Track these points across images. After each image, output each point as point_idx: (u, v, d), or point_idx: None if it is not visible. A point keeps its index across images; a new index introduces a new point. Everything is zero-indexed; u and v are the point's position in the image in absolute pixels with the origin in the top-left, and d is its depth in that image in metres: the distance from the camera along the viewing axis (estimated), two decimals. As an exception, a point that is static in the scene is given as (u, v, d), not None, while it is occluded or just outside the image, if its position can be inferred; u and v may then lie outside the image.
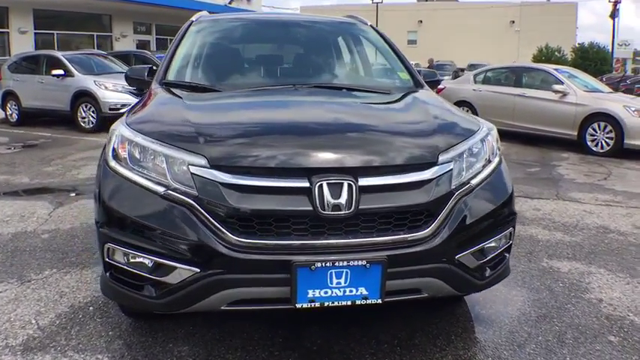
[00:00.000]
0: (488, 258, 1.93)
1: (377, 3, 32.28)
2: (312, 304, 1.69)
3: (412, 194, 1.76)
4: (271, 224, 1.68)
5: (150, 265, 1.75)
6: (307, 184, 1.68)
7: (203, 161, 1.73)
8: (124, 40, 19.08)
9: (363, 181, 1.71)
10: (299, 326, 2.31)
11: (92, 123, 8.63)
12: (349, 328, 2.30)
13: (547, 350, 2.17)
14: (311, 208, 1.66)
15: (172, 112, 2.12)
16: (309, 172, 1.71)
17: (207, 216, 1.67)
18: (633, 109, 7.07)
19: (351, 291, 1.70)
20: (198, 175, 1.71)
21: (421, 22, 39.76)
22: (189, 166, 1.73)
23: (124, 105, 8.11)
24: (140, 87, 2.90)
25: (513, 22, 37.63)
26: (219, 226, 1.66)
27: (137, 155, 1.83)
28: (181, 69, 2.78)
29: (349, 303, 1.72)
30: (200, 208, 1.68)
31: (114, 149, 1.91)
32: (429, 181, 1.78)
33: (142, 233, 1.74)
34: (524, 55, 30.84)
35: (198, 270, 1.68)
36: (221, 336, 2.24)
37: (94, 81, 8.65)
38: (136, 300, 1.83)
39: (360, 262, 1.68)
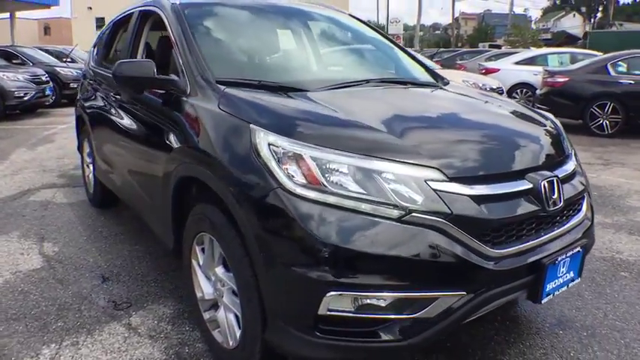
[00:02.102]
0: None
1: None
2: (549, 297, 1.75)
3: (575, 182, 1.95)
4: (513, 229, 1.64)
5: (385, 304, 1.48)
6: (530, 185, 1.69)
7: (438, 175, 1.55)
8: None
9: (559, 175, 1.81)
10: None
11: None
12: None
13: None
14: (539, 207, 1.69)
15: (334, 120, 1.76)
16: (523, 174, 1.72)
17: (463, 233, 1.51)
18: (471, 82, 7.60)
19: (566, 277, 1.80)
20: (442, 191, 1.52)
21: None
22: (428, 182, 1.53)
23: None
24: (139, 88, 2.36)
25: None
26: (476, 241, 1.53)
27: (340, 176, 1.52)
28: (223, 66, 2.27)
29: (565, 288, 1.82)
30: (454, 227, 1.50)
31: (300, 173, 1.52)
32: (575, 169, 2.01)
33: (383, 268, 1.47)
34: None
35: (464, 293, 1.52)
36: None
37: None
38: (371, 350, 1.54)
39: (576, 249, 1.80)
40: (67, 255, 3.14)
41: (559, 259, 1.73)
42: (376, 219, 1.47)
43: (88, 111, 3.73)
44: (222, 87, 1.99)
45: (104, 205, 4.00)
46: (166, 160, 2.17)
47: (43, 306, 2.50)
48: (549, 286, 1.73)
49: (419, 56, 3.07)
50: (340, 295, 1.46)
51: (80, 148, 4.33)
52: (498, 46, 26.52)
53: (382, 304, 1.48)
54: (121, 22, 3.63)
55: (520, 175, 1.72)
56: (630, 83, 7.21)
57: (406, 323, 1.50)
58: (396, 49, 3.04)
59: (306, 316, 1.51)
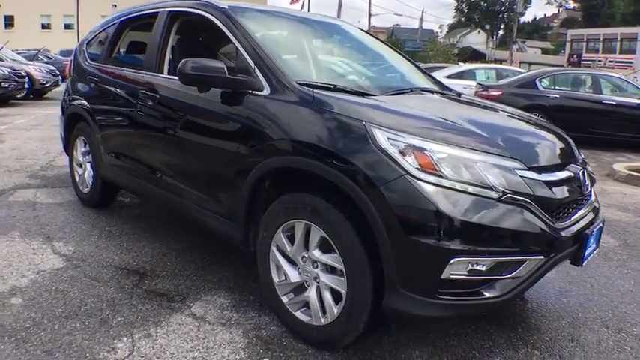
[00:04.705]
0: None
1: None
2: (586, 261, 2.15)
3: (588, 173, 2.40)
4: (567, 208, 2.07)
5: (486, 267, 1.81)
6: (573, 174, 2.16)
7: (521, 165, 1.92)
8: None
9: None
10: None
11: None
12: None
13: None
14: (580, 191, 2.18)
15: (431, 119, 2.12)
16: (565, 166, 2.17)
17: (540, 210, 1.89)
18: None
19: (592, 246, 2.22)
20: (525, 177, 1.90)
21: (115, 5, 35.34)
22: (515, 170, 1.89)
23: None
24: (205, 87, 2.43)
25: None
26: (548, 216, 1.92)
27: (449, 164, 1.82)
28: (295, 70, 2.48)
29: (592, 255, 2.24)
30: (535, 205, 1.87)
31: (422, 164, 1.81)
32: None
33: (489, 238, 1.81)
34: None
35: (543, 257, 1.90)
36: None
37: None
38: (475, 306, 1.92)
39: (599, 224, 2.27)
40: (87, 253, 3.07)
41: (593, 231, 2.16)
42: (482, 199, 1.81)
43: (93, 109, 3.64)
44: (308, 89, 2.20)
45: (101, 205, 3.90)
46: (243, 155, 2.30)
47: (91, 303, 2.48)
48: (586, 252, 2.14)
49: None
50: (460, 260, 1.77)
51: (69, 148, 4.15)
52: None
53: (484, 267, 1.82)
54: (133, 21, 3.61)
55: (563, 167, 2.17)
56: (556, 97, 8.27)
57: (502, 282, 1.86)
58: (409, 62, 3.42)
59: (430, 281, 1.80)
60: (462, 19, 71.71)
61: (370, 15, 33.70)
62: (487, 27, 63.45)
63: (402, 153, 1.84)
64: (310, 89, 2.20)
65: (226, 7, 2.73)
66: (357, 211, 1.91)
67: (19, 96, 11.30)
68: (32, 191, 4.33)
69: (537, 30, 68.46)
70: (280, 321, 2.31)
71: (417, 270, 1.83)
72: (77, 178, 4.05)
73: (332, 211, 1.98)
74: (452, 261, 1.76)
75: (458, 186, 1.80)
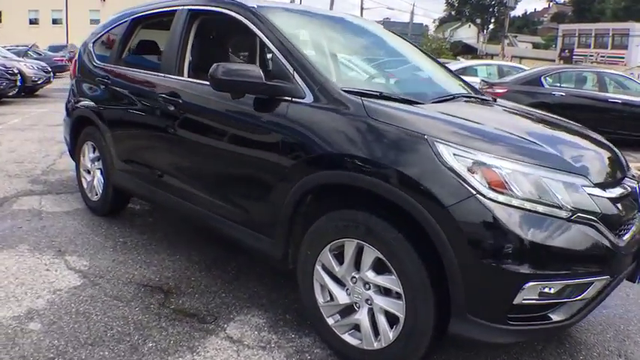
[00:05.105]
0: None
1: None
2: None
3: None
4: (625, 224, 1.94)
5: (555, 290, 1.72)
6: (630, 190, 2.03)
7: (587, 181, 1.82)
8: None
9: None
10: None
11: None
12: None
13: None
14: (636, 206, 2.05)
15: (491, 132, 1.96)
16: (621, 181, 2.06)
17: (607, 228, 1.79)
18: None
19: None
20: (592, 195, 1.80)
21: (104, 0, 35.55)
22: (583, 188, 1.79)
23: None
24: (239, 93, 2.24)
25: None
26: (613, 235, 1.82)
27: (519, 183, 1.71)
28: (335, 75, 2.37)
29: None
30: (601, 223, 1.78)
31: (491, 182, 1.70)
32: None
33: (560, 260, 1.72)
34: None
35: (609, 277, 1.82)
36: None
37: None
38: (544, 330, 1.82)
39: None
40: (103, 269, 2.89)
41: None
42: (552, 218, 1.70)
43: (103, 113, 3.43)
44: (357, 97, 2.05)
45: (112, 213, 3.71)
46: (283, 168, 2.14)
47: (117, 327, 2.30)
48: None
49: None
50: (533, 284, 1.67)
51: (75, 154, 3.94)
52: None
53: (553, 291, 1.73)
54: (145, 19, 3.40)
55: (621, 181, 2.07)
56: (562, 95, 8.18)
57: (569, 305, 1.78)
58: (439, 64, 3.26)
59: (501, 307, 1.70)
60: (453, 12, 71.83)
61: (362, 9, 33.52)
62: (478, 21, 63.57)
63: (470, 170, 1.72)
64: (359, 98, 2.04)
65: (256, 6, 2.54)
66: (417, 231, 1.79)
67: (10, 94, 10.96)
68: (36, 198, 4.11)
69: (528, 24, 68.80)
70: (326, 344, 2.17)
71: (487, 295, 1.72)
72: (85, 185, 3.84)
73: (390, 231, 1.84)
74: (526, 285, 1.66)
75: (527, 205, 1.69)
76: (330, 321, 2.09)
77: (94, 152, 3.70)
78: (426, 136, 1.80)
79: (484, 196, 1.68)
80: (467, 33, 59.59)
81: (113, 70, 3.42)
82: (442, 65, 3.28)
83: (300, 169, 2.09)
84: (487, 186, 1.70)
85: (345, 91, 2.10)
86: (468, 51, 40.24)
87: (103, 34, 3.82)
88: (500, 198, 1.68)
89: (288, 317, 2.44)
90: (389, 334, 1.91)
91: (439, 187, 1.73)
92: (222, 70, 2.17)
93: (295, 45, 2.30)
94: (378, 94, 2.16)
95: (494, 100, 2.87)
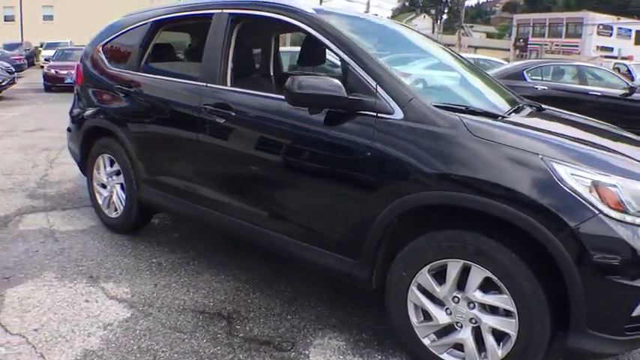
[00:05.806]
0: None
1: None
2: None
3: None
4: None
5: None
6: None
7: None
8: None
9: None
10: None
11: None
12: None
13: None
14: None
15: (591, 145, 1.99)
16: None
17: None
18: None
19: None
20: None
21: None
22: None
23: None
24: (318, 107, 2.13)
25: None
26: None
27: (634, 199, 1.74)
28: (418, 88, 2.32)
29: None
30: None
31: (609, 201, 1.71)
32: None
33: None
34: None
35: None
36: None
37: None
38: None
39: None
40: (148, 295, 2.67)
41: None
42: None
43: (125, 123, 3.17)
44: (452, 114, 1.99)
45: (134, 230, 3.46)
46: (373, 187, 2.04)
47: (191, 363, 2.14)
48: None
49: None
50: None
51: (87, 167, 3.63)
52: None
53: None
54: (170, 22, 3.16)
55: None
56: (544, 88, 8.41)
57: None
58: (479, 71, 3.21)
59: (620, 319, 1.75)
60: (407, 3, 72.85)
61: (321, 1, 33.27)
62: (432, 12, 64.74)
63: (590, 190, 1.74)
64: (456, 115, 1.98)
65: (314, 12, 2.40)
66: (529, 250, 1.80)
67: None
68: (42, 215, 3.78)
69: (480, 14, 70.69)
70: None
71: (608, 310, 1.76)
72: (100, 201, 3.56)
73: (503, 251, 1.82)
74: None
75: (639, 221, 1.74)
76: (426, 341, 2.04)
77: (111, 166, 3.42)
78: (540, 156, 1.80)
79: (606, 215, 1.71)
80: (422, 24, 60.50)
81: (133, 78, 3.15)
82: (485, 74, 3.23)
83: (395, 188, 1.99)
84: (607, 205, 1.73)
85: (435, 106, 2.03)
86: (426, 41, 40.99)
87: (113, 38, 3.52)
88: (619, 216, 1.73)
89: (365, 337, 2.35)
90: (497, 352, 1.90)
91: (561, 208, 1.73)
92: (300, 83, 2.05)
93: (372, 55, 2.17)
94: (464, 108, 2.10)
95: (542, 107, 2.86)
